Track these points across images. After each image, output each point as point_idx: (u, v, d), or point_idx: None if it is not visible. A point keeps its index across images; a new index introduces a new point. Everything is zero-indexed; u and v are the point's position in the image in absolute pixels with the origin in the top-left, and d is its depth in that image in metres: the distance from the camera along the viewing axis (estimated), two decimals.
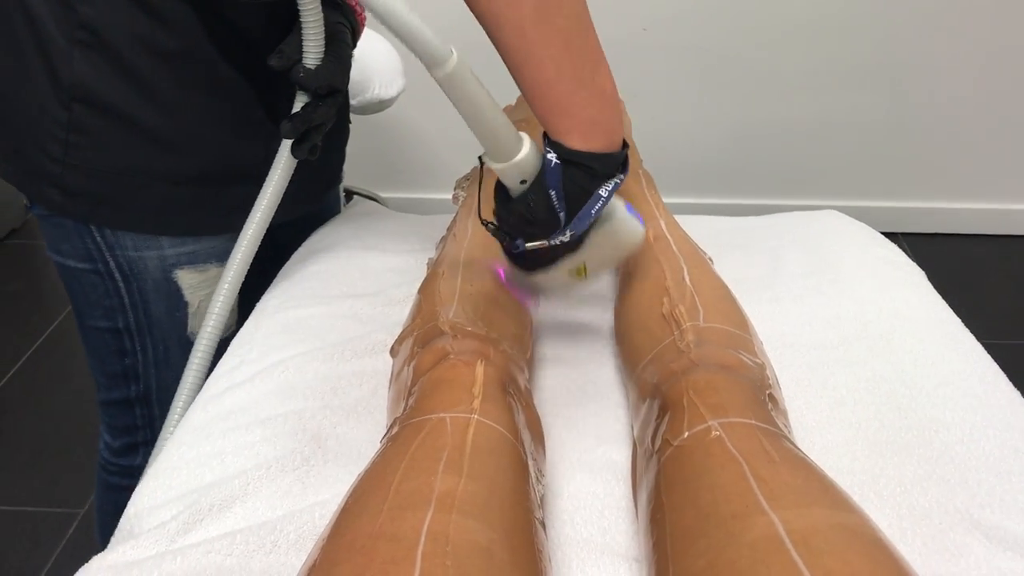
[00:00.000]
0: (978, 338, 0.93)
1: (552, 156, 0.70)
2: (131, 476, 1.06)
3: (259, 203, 0.88)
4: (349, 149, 1.14)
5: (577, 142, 0.70)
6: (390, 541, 0.51)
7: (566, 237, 0.74)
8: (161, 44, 0.83)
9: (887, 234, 1.19)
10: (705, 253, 0.94)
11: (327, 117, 0.87)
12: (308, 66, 0.83)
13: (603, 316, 0.98)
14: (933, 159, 2.46)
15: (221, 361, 0.93)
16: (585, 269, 0.81)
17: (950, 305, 1.00)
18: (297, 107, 0.86)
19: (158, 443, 0.87)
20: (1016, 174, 2.47)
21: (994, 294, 2.30)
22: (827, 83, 2.34)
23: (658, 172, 1.11)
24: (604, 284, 1.05)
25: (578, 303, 1.01)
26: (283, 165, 0.87)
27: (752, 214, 1.26)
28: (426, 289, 0.87)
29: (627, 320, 0.88)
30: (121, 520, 0.74)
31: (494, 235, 0.77)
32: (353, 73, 0.92)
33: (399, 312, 0.96)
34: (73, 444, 1.80)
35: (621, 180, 0.74)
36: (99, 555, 0.68)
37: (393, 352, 0.81)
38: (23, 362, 2.08)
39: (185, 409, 0.87)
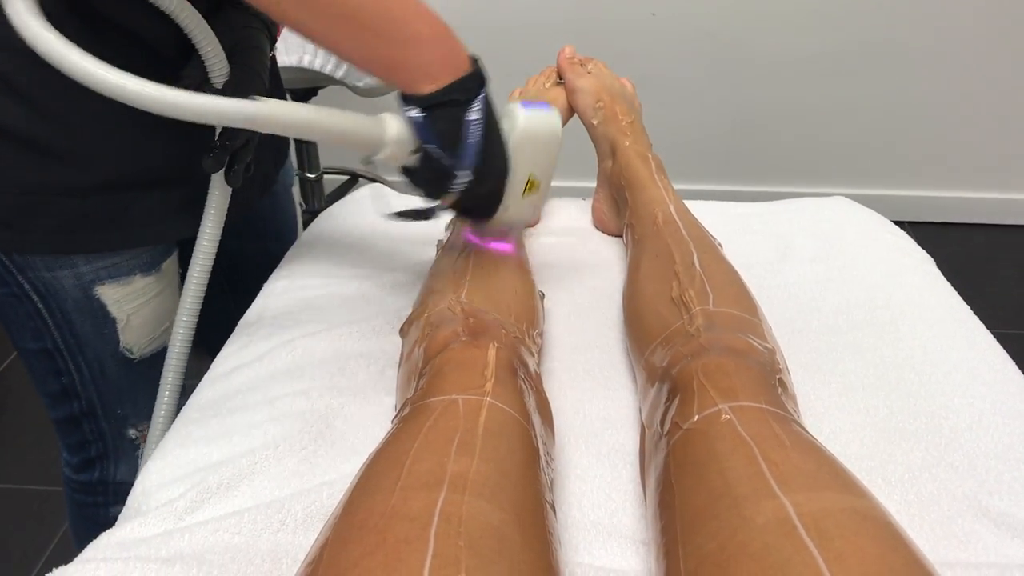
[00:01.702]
0: (987, 327, 0.93)
1: (413, 112, 0.71)
2: (92, 493, 1.04)
3: (202, 232, 0.84)
4: None
5: (426, 87, 0.70)
6: (403, 520, 0.50)
7: (470, 176, 0.73)
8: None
9: (895, 222, 1.18)
10: (715, 238, 0.94)
11: (250, 135, 0.81)
12: (216, 86, 0.78)
13: (611, 300, 0.97)
14: (942, 147, 2.45)
15: (229, 340, 0.93)
16: (533, 180, 0.81)
17: (958, 294, 0.99)
18: (218, 131, 0.81)
19: (142, 462, 0.85)
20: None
21: (1002, 284, 2.30)
22: (837, 70, 2.33)
23: (667, 158, 1.11)
24: (614, 269, 1.05)
25: (586, 287, 1.01)
26: (218, 194, 0.84)
27: (761, 201, 1.25)
28: (436, 271, 0.86)
29: (636, 304, 0.87)
30: (128, 497, 0.74)
31: (414, 218, 0.79)
32: None
33: (407, 293, 0.96)
34: None
35: (485, 95, 0.73)
36: (107, 532, 0.68)
37: (403, 333, 0.81)
38: None
39: (163, 432, 0.85)
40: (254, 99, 0.67)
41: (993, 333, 0.92)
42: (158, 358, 0.91)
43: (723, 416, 0.62)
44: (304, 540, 0.64)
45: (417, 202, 0.78)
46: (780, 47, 2.31)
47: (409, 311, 0.84)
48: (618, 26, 2.29)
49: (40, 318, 0.88)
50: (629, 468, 0.74)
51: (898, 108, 2.39)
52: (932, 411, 0.78)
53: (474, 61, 0.74)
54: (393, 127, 0.72)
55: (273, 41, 0.91)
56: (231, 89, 0.78)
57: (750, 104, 2.40)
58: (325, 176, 2.24)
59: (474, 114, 0.72)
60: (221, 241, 0.86)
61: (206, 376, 0.87)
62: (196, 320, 0.88)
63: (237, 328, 0.94)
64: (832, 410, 0.80)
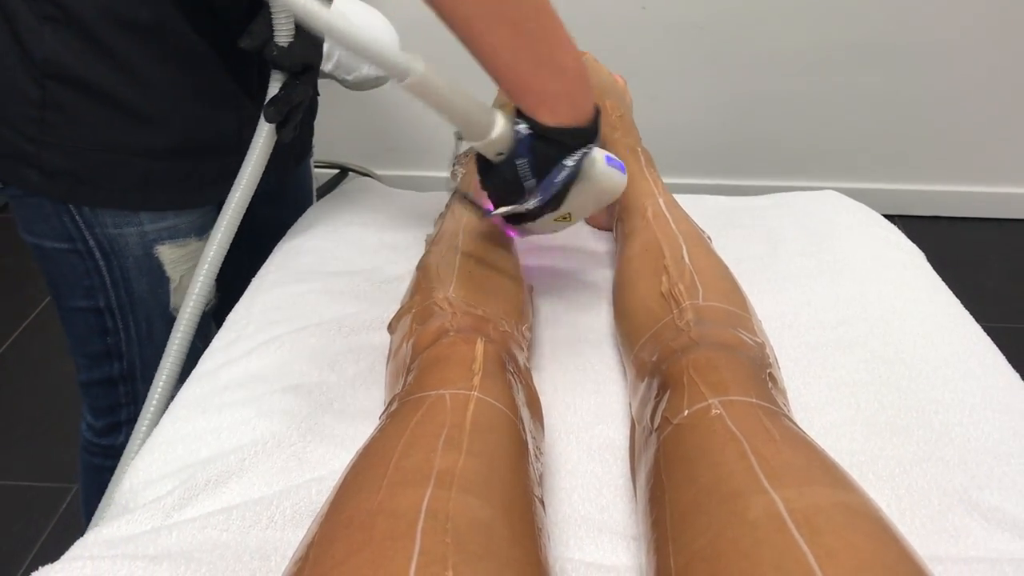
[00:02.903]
0: (976, 321, 0.93)
1: (521, 128, 0.75)
2: (114, 457, 1.04)
3: (239, 181, 0.88)
4: (345, 126, 1.14)
5: (545, 117, 0.74)
6: (389, 517, 0.50)
7: (532, 205, 0.78)
8: (132, 17, 0.82)
9: (885, 216, 1.18)
10: (704, 232, 0.93)
11: (305, 96, 0.88)
12: (281, 44, 0.82)
13: (601, 294, 0.97)
14: (933, 142, 2.45)
15: (217, 336, 0.92)
16: (571, 216, 0.85)
17: (948, 288, 0.99)
18: (273, 87, 0.86)
19: (139, 420, 0.87)
20: (1016, 158, 2.47)
21: (992, 277, 2.30)
22: (827, 63, 2.33)
23: (657, 152, 1.10)
24: (603, 263, 1.04)
25: (576, 282, 1.01)
26: (263, 143, 0.87)
27: (748, 195, 1.25)
28: (424, 266, 0.86)
29: (626, 299, 0.87)
30: (116, 495, 0.73)
31: (465, 204, 0.86)
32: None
33: (396, 288, 0.96)
34: (66, 418, 1.79)
35: (590, 149, 0.77)
36: (94, 530, 0.67)
37: (391, 328, 0.80)
38: (16, 336, 2.07)
39: (168, 385, 0.87)
40: (417, 58, 0.69)
41: (983, 327, 0.92)
42: (203, 320, 0.95)
43: (713, 411, 0.62)
44: (293, 536, 0.64)
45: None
46: (770, 41, 2.30)
47: (398, 306, 0.83)
48: (607, 19, 2.28)
49: (98, 275, 0.94)
50: (620, 463, 0.74)
51: (888, 102, 2.39)
52: (922, 406, 0.78)
53: (596, 113, 0.77)
54: (498, 129, 0.75)
55: None
56: (297, 49, 0.84)
57: (740, 98, 2.40)
58: (315, 170, 2.23)
59: (570, 161, 0.76)
60: (252, 207, 0.90)
61: (194, 372, 0.87)
62: (215, 274, 0.90)
63: (225, 323, 0.94)
64: (822, 404, 0.80)
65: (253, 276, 1.03)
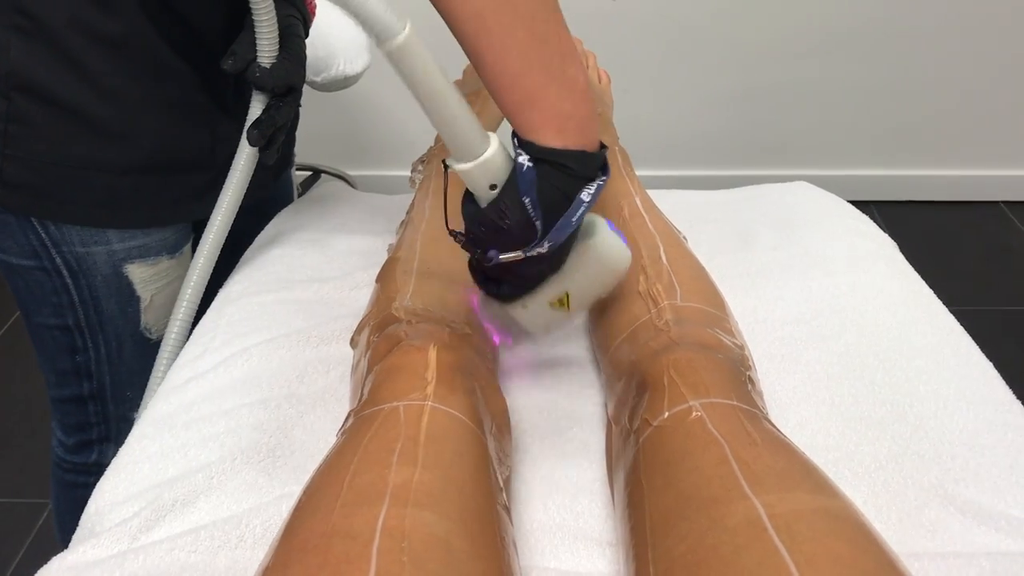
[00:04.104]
0: (950, 305, 0.93)
1: (524, 159, 0.62)
2: (87, 473, 1.05)
3: (220, 205, 0.87)
4: (316, 127, 1.12)
5: (551, 138, 0.62)
6: (344, 539, 0.49)
7: (544, 248, 0.64)
8: (102, 29, 0.80)
9: (858, 203, 1.18)
10: (679, 231, 0.93)
11: (288, 117, 0.85)
12: (264, 65, 0.81)
13: None
14: (903, 127, 2.46)
15: (184, 350, 0.90)
16: (568, 299, 0.72)
17: (921, 272, 1.00)
18: (255, 108, 0.84)
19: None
20: (984, 140, 2.48)
21: (967, 260, 2.32)
22: (796, 52, 2.33)
23: (631, 145, 1.10)
24: None
25: None
26: (243, 165, 0.86)
27: (723, 185, 1.25)
28: (383, 276, 0.85)
29: (602, 297, 0.86)
30: (82, 518, 0.71)
31: (464, 247, 0.69)
32: (317, 50, 0.90)
33: (366, 296, 0.94)
34: (40, 432, 1.76)
35: (603, 183, 0.65)
36: (59, 555, 0.66)
37: (353, 343, 0.79)
38: None
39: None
40: (405, 22, 0.59)
41: (960, 310, 0.92)
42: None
43: (693, 413, 0.61)
44: (262, 556, 0.62)
45: None
46: (740, 32, 2.31)
47: None
48: (577, 14, 2.26)
49: (67, 294, 0.91)
50: (596, 467, 0.73)
51: (861, 90, 2.40)
52: (897, 399, 0.78)
53: (603, 147, 0.66)
54: (492, 148, 0.63)
55: (306, 35, 0.93)
56: (279, 70, 0.82)
57: (709, 89, 2.40)
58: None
59: (587, 195, 0.64)
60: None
61: (159, 388, 0.85)
62: (200, 297, 0.90)
63: (192, 336, 0.92)
64: (797, 400, 0.79)
65: None
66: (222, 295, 0.98)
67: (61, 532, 1.16)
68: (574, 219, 0.64)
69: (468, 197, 0.66)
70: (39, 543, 1.56)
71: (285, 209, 1.18)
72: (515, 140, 0.64)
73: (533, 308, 0.72)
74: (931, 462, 0.71)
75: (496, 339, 0.80)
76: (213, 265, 0.89)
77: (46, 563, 0.65)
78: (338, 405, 0.80)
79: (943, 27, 2.30)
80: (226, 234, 0.89)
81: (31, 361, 1.93)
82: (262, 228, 1.12)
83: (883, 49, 2.33)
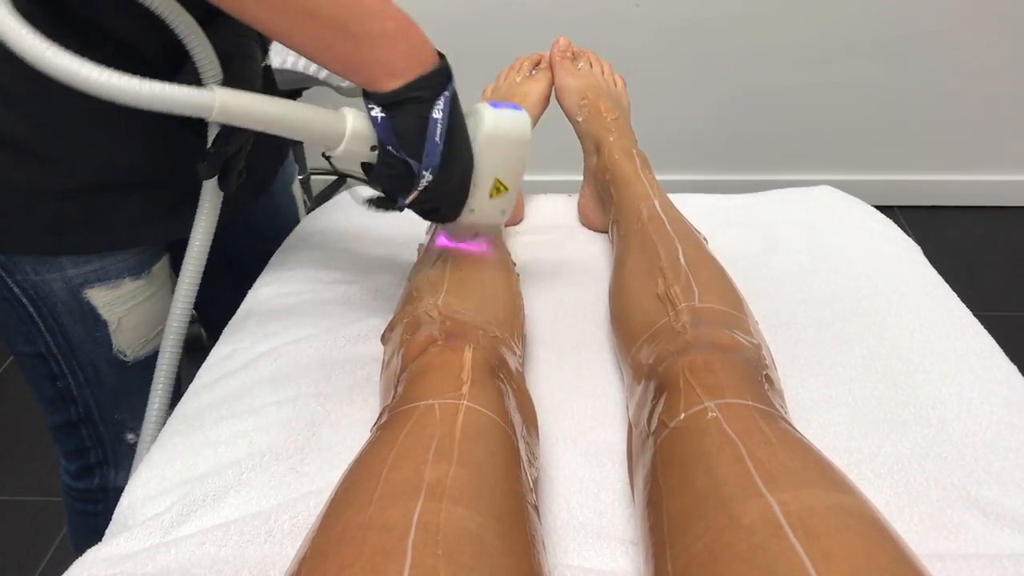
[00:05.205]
0: (974, 310, 0.93)
1: (376, 112, 0.69)
2: (92, 501, 1.03)
3: (192, 243, 0.83)
4: None
5: (387, 83, 0.68)
6: (380, 531, 0.50)
7: (427, 176, 0.72)
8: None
9: (883, 207, 1.18)
10: (700, 233, 0.93)
11: (243, 140, 0.81)
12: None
13: (598, 297, 0.97)
14: (928, 131, 2.45)
15: (214, 350, 0.92)
16: (501, 184, 0.79)
17: (946, 277, 0.99)
18: (210, 137, 0.79)
19: (134, 466, 0.84)
20: (1008, 145, 2.46)
21: (991, 266, 2.30)
22: (821, 56, 2.33)
23: (652, 149, 1.10)
24: (600, 266, 1.04)
25: (572, 284, 1.01)
26: (210, 197, 0.82)
27: (746, 190, 1.25)
28: (415, 276, 0.86)
29: (621, 301, 0.87)
30: (115, 512, 0.73)
31: (379, 208, 0.78)
32: None
33: (392, 297, 0.96)
34: None
35: (450, 92, 0.71)
36: (93, 548, 0.67)
37: (384, 340, 0.80)
38: None
39: (155, 434, 0.85)
40: (211, 88, 0.65)
41: (984, 315, 0.91)
42: (153, 361, 0.90)
43: (709, 414, 0.61)
44: (291, 551, 0.64)
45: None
46: (763, 35, 2.30)
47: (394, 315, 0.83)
48: (601, 17, 2.28)
49: (32, 322, 0.88)
50: (618, 467, 0.74)
51: (884, 93, 2.38)
52: (920, 401, 0.78)
53: (440, 57, 0.72)
54: (352, 122, 0.70)
55: (265, 51, 0.91)
56: None
57: (735, 93, 2.40)
58: (312, 177, 2.23)
59: (437, 112, 0.70)
60: (221, 239, 0.86)
61: (191, 386, 0.87)
62: (187, 324, 0.87)
63: (221, 337, 0.94)
64: (820, 403, 0.80)
65: (236, 308, 0.99)
66: (251, 295, 1.00)
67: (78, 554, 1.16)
68: (436, 138, 0.70)
69: (367, 167, 0.74)
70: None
71: (311, 213, 1.19)
72: (364, 98, 0.70)
73: (479, 208, 0.79)
74: (954, 464, 0.71)
75: (475, 248, 0.86)
76: (193, 297, 0.85)
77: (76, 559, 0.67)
78: (365, 403, 0.81)
79: (968, 31, 2.28)
80: (203, 265, 0.84)
81: None
82: (256, 246, 1.10)
83: (907, 53, 2.32)
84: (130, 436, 0.99)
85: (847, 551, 0.48)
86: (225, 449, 0.76)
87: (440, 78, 0.70)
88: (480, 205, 0.79)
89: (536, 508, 0.62)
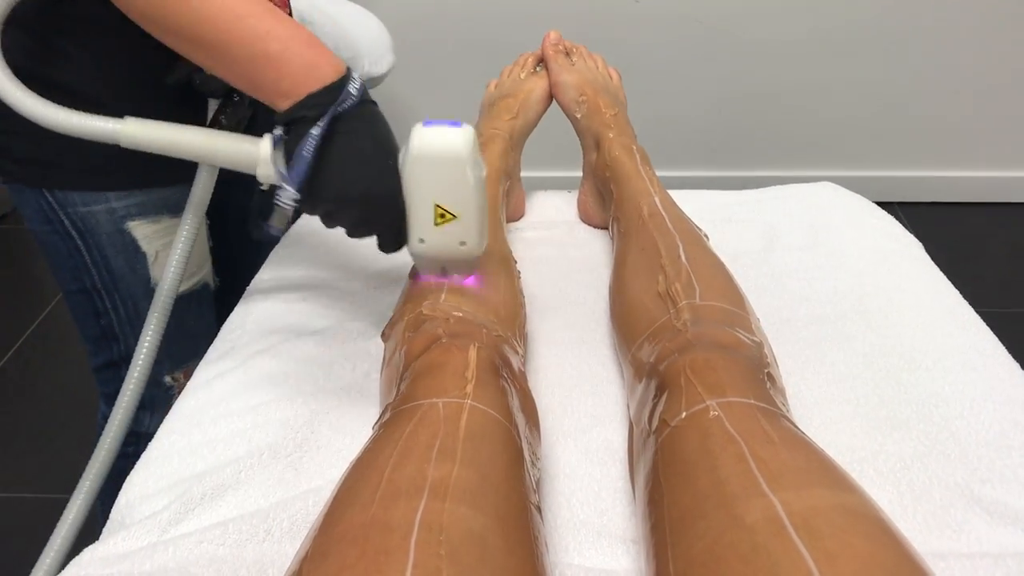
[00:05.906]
0: (976, 306, 0.92)
1: (276, 131, 0.71)
2: (125, 443, 1.04)
3: (196, 184, 0.85)
4: None
5: (282, 103, 0.69)
6: (383, 531, 0.50)
7: (293, 194, 0.70)
8: (75, 11, 0.82)
9: (883, 204, 1.18)
10: (701, 230, 0.93)
11: (241, 114, 0.86)
12: (206, 73, 0.80)
13: (598, 294, 0.97)
14: (930, 127, 2.44)
15: (211, 347, 0.92)
16: (443, 210, 0.72)
17: (947, 274, 0.99)
18: (212, 112, 0.87)
19: (117, 402, 0.85)
20: (1010, 141, 2.46)
21: (994, 262, 2.30)
22: (822, 51, 2.32)
23: (652, 145, 1.10)
24: (600, 262, 1.04)
25: (572, 282, 1.00)
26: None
27: (747, 186, 1.25)
28: (416, 273, 0.85)
29: (622, 299, 0.86)
30: (112, 510, 0.73)
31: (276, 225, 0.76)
32: (342, 51, 0.90)
33: (391, 294, 0.95)
34: (69, 429, 1.79)
35: (344, 108, 0.69)
36: (90, 547, 0.67)
37: (385, 337, 0.80)
38: (17, 347, 2.07)
39: (145, 368, 0.84)
40: (122, 120, 0.72)
41: (986, 311, 0.91)
42: (189, 300, 0.96)
43: (711, 413, 0.61)
44: (290, 549, 0.63)
45: None
46: (764, 30, 2.30)
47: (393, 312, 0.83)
48: (601, 14, 2.27)
49: (79, 255, 0.95)
50: (618, 465, 0.73)
51: (887, 89, 2.38)
52: (923, 399, 0.78)
53: (342, 76, 0.70)
54: (265, 147, 0.71)
55: None
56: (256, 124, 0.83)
57: (735, 89, 2.39)
58: None
59: (316, 129, 0.68)
60: (226, 196, 0.91)
61: (188, 385, 0.86)
62: (188, 256, 0.88)
63: (219, 334, 0.93)
64: (822, 401, 0.79)
65: (252, 257, 1.04)
66: (249, 292, 1.00)
67: (101, 502, 1.17)
68: (303, 151, 0.69)
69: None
70: (81, 538, 1.58)
71: None
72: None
73: (429, 238, 0.74)
74: (957, 462, 0.71)
75: (466, 281, 0.80)
76: (191, 246, 0.86)
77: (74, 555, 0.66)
78: (364, 401, 0.81)
79: (969, 26, 2.28)
80: (202, 216, 0.87)
81: (55, 361, 1.97)
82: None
83: (908, 48, 2.32)
84: (167, 379, 1.04)
85: (851, 551, 0.47)
86: (223, 447, 0.75)
87: (329, 96, 0.69)
88: (428, 235, 0.74)
89: (539, 508, 0.61)
